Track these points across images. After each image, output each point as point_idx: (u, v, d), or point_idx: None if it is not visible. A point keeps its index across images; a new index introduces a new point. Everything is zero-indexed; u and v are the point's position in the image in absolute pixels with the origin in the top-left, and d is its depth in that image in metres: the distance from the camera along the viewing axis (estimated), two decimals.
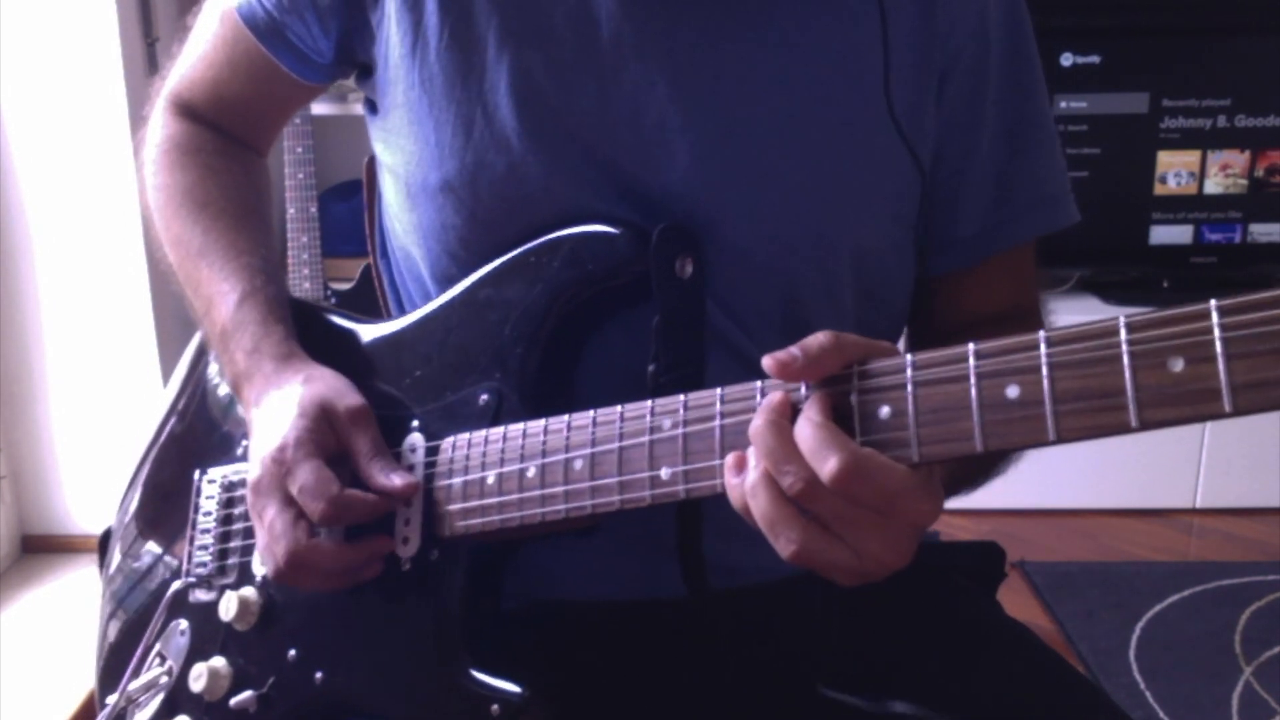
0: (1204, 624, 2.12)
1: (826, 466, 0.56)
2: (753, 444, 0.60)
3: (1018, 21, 0.85)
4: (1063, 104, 2.50)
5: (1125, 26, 2.51)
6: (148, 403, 1.02)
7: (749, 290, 0.80)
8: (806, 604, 0.86)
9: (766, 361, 0.59)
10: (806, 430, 0.58)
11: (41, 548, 2.39)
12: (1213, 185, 2.55)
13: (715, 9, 0.79)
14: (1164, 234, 2.58)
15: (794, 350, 0.59)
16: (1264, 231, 2.57)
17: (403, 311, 0.93)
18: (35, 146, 2.22)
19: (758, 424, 0.60)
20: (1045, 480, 2.47)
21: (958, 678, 0.81)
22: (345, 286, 2.47)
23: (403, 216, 0.86)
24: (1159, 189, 2.55)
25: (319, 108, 2.45)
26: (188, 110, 0.97)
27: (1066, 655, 1.35)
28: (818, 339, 0.60)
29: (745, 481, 0.60)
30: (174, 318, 2.34)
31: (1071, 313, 2.54)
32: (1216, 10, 2.53)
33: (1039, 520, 2.50)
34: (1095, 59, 2.49)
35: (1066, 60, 2.49)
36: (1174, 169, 2.54)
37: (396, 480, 0.76)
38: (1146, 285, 2.58)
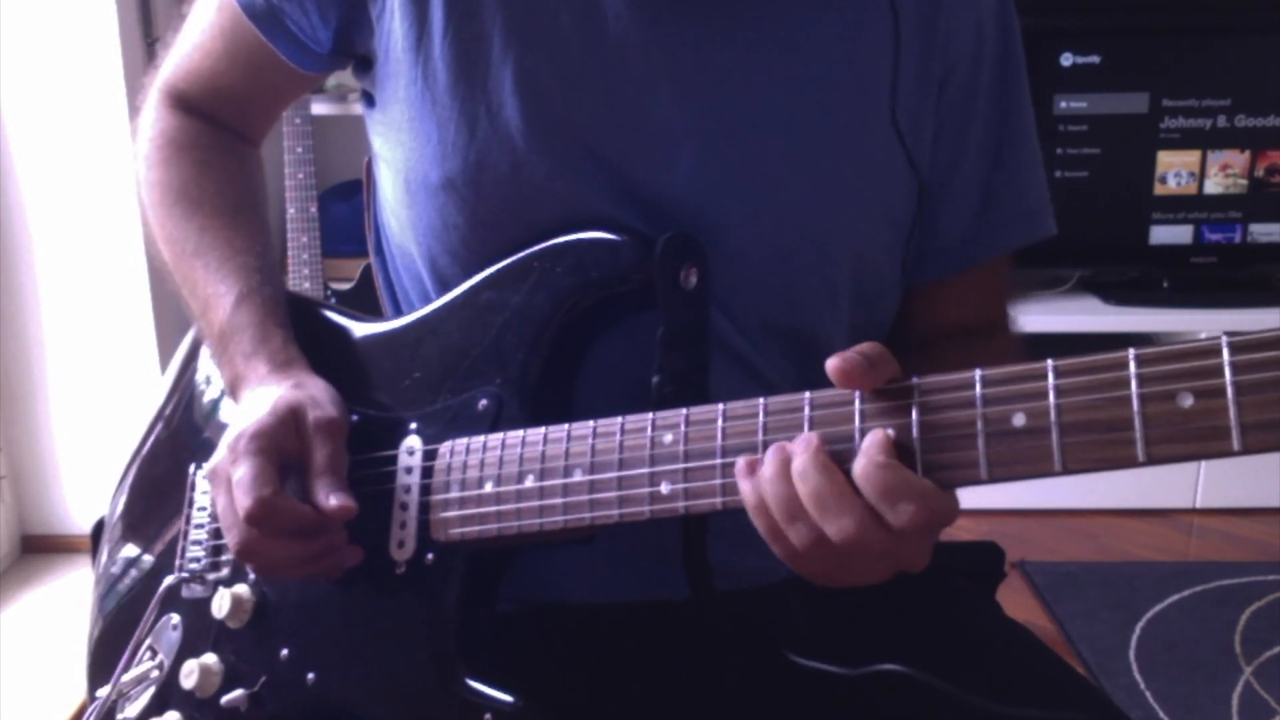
0: (1204, 624, 2.12)
1: (898, 510, 0.57)
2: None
3: (1009, 33, 0.86)
4: (1063, 104, 2.50)
5: (1125, 26, 2.51)
6: (147, 403, 1.02)
7: (750, 295, 0.80)
8: (810, 605, 0.85)
9: (833, 365, 0.59)
10: (871, 472, 0.58)
11: (41, 548, 2.40)
12: (1213, 185, 2.54)
13: (722, 11, 0.78)
14: (1164, 234, 2.57)
15: (855, 355, 0.59)
16: (1264, 231, 2.57)
17: (398, 309, 0.93)
18: (35, 146, 2.22)
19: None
20: (1045, 480, 2.46)
21: (957, 678, 0.81)
22: (345, 286, 2.47)
23: (400, 213, 0.85)
24: (1159, 189, 2.55)
25: (319, 108, 2.45)
26: (182, 101, 0.96)
27: (1066, 655, 1.35)
28: (874, 346, 0.59)
29: (796, 466, 0.59)
30: (173, 317, 2.34)
31: (1071, 312, 2.55)
32: (1216, 10, 2.52)
33: (1039, 520, 2.49)
34: (1095, 59, 2.49)
35: (1066, 60, 2.49)
36: (1174, 169, 2.54)
37: (332, 500, 0.74)
38: (1146, 285, 2.58)
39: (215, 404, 0.94)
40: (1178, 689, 1.92)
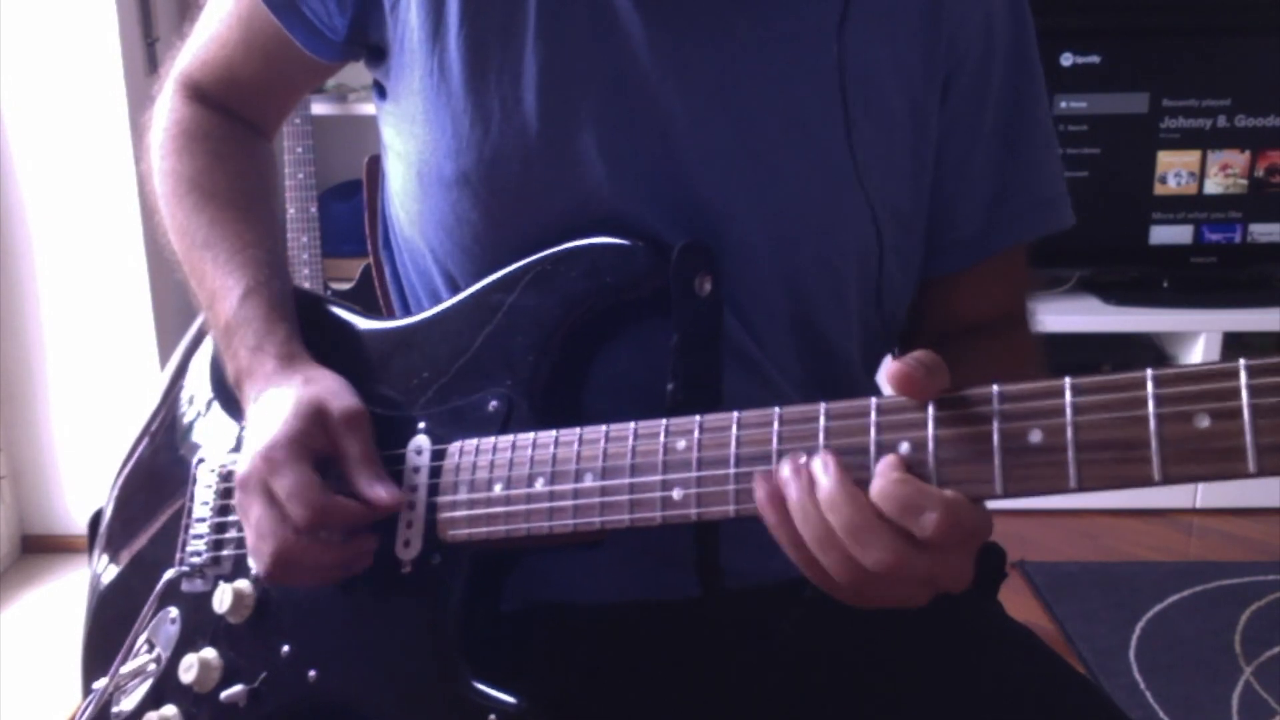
0: (1204, 624, 2.12)
1: (923, 523, 0.56)
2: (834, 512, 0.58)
3: (1022, 25, 0.86)
4: (1063, 104, 2.50)
5: (1125, 26, 2.51)
6: (147, 397, 1.02)
7: (757, 288, 0.81)
8: (814, 604, 0.85)
9: (894, 370, 0.57)
10: (889, 489, 0.57)
11: (41, 548, 2.40)
12: (1213, 185, 2.55)
13: (724, 6, 0.79)
14: (1164, 234, 2.58)
15: (915, 363, 0.57)
16: (1264, 231, 2.57)
17: (405, 305, 0.93)
18: (35, 146, 2.22)
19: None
20: None
21: (958, 679, 0.81)
22: (345, 286, 2.48)
23: (411, 206, 0.86)
24: (1159, 189, 2.55)
25: (319, 108, 2.45)
26: (198, 92, 0.96)
27: (1066, 655, 1.35)
28: (931, 355, 0.58)
29: (823, 496, 0.58)
30: (174, 317, 2.34)
31: (1071, 312, 2.55)
32: (1216, 10, 2.52)
33: (1039, 520, 2.50)
34: (1095, 59, 2.49)
35: (1066, 60, 2.49)
36: (1174, 169, 2.54)
37: (381, 491, 0.75)
38: (1146, 285, 2.58)
39: (217, 397, 0.94)
40: (1178, 689, 1.92)
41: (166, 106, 0.97)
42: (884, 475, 0.57)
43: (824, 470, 0.59)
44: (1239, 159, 2.53)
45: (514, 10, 0.79)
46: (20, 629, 2.14)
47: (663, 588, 0.82)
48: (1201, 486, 2.54)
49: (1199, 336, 2.50)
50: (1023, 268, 0.91)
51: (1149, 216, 2.57)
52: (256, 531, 0.76)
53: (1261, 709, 1.88)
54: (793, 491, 0.60)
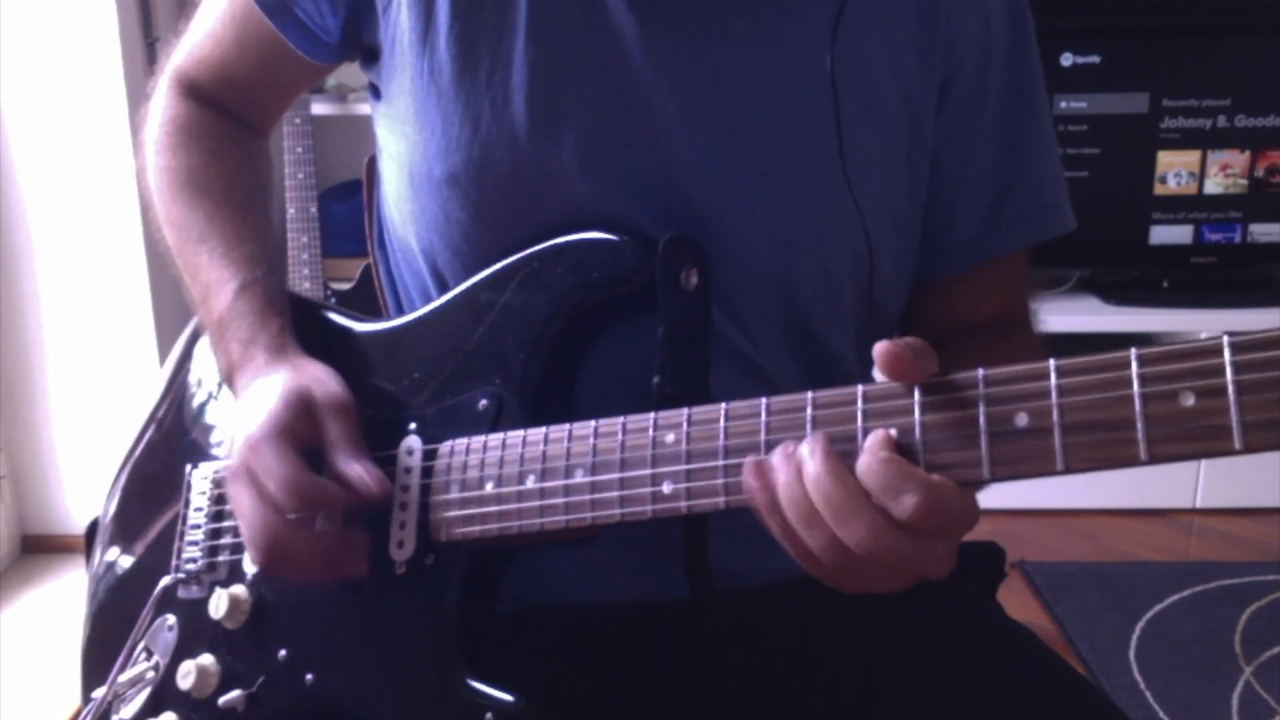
0: (1204, 624, 2.12)
1: (902, 503, 0.56)
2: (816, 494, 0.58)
3: (1021, 27, 0.85)
4: (1063, 104, 2.50)
5: (1125, 26, 2.51)
6: (143, 404, 1.02)
7: (751, 290, 0.80)
8: (810, 605, 0.85)
9: (883, 349, 0.57)
10: (873, 466, 0.57)
11: (41, 548, 2.40)
12: (1213, 185, 2.55)
13: (718, 6, 0.78)
14: (1164, 234, 2.58)
15: (905, 346, 0.58)
16: (1264, 231, 2.57)
17: (398, 304, 0.93)
18: (35, 146, 2.22)
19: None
20: (1045, 480, 2.46)
21: (958, 679, 0.81)
22: (345, 286, 2.47)
23: (403, 206, 0.86)
24: (1159, 189, 2.55)
25: (319, 108, 2.45)
26: (193, 89, 0.96)
27: (1066, 655, 1.35)
28: (919, 340, 0.58)
29: (809, 472, 0.58)
30: (174, 317, 2.34)
31: (1071, 312, 2.55)
32: (1216, 10, 2.52)
33: (1039, 520, 2.50)
34: (1095, 59, 2.49)
35: (1066, 60, 2.49)
36: (1174, 169, 2.54)
37: (358, 469, 0.74)
38: (1146, 285, 2.58)
39: (209, 404, 0.94)
40: (1178, 689, 1.92)
41: (161, 103, 0.97)
42: (871, 452, 0.57)
43: (810, 451, 0.59)
44: (1239, 159, 2.53)
45: (505, 10, 0.79)
46: (20, 629, 2.14)
47: (657, 588, 0.82)
48: (1201, 486, 2.55)
49: (1199, 336, 2.50)
50: (1023, 271, 0.90)
51: (1149, 216, 2.57)
52: (248, 522, 0.75)
53: (1261, 709, 1.88)
54: (780, 475, 0.60)
